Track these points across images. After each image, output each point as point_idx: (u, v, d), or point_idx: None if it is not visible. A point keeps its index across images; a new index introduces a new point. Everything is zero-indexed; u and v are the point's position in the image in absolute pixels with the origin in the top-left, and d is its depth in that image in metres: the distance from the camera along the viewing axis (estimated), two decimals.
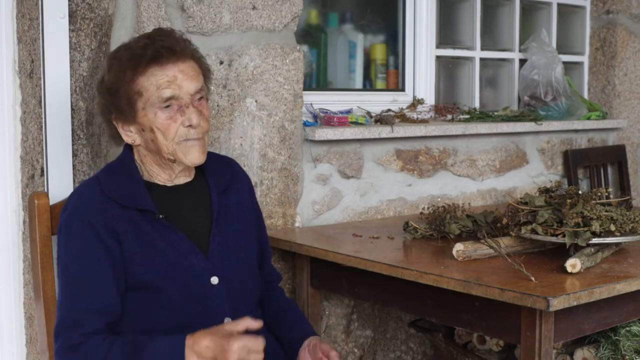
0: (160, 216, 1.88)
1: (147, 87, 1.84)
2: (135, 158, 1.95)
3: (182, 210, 1.94)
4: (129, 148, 1.96)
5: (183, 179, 1.98)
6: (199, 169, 2.01)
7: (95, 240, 1.82)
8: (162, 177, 1.95)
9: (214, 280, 1.90)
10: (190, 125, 1.87)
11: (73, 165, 2.29)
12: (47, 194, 2.12)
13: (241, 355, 1.69)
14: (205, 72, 1.96)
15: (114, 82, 1.86)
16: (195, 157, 1.90)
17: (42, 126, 2.25)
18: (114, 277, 1.82)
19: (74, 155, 2.29)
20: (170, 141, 1.87)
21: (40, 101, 2.25)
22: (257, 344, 1.71)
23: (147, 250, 1.85)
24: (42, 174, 2.27)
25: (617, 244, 2.29)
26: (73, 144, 2.29)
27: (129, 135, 1.91)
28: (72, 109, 2.28)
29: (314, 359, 2.00)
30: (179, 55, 1.88)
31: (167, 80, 1.85)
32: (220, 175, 2.03)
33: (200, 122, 1.89)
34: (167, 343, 1.74)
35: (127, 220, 1.85)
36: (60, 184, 2.27)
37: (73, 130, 2.29)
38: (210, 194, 1.99)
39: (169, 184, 1.96)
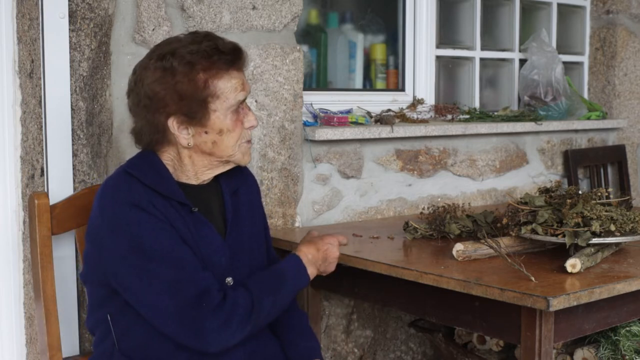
0: (195, 209, 1.88)
1: (224, 90, 1.85)
2: (166, 157, 1.91)
3: (209, 207, 1.95)
4: (151, 149, 1.93)
5: (208, 179, 1.97)
6: None
7: (152, 218, 1.79)
8: (192, 177, 1.93)
9: (229, 280, 1.90)
10: (250, 127, 1.92)
11: (73, 165, 2.29)
12: (47, 194, 2.12)
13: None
14: None
15: (187, 84, 1.82)
16: (249, 157, 1.97)
17: (42, 126, 2.25)
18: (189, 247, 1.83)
19: (74, 155, 2.29)
20: (235, 143, 1.90)
21: (40, 101, 2.25)
22: (344, 238, 2.08)
23: (186, 241, 1.83)
24: (42, 174, 2.27)
25: (617, 244, 2.29)
26: (73, 144, 2.29)
27: (186, 137, 1.87)
28: (72, 109, 2.28)
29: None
30: (245, 59, 1.92)
31: (242, 83, 1.89)
32: (230, 176, 2.02)
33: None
34: (290, 265, 1.96)
35: (168, 210, 1.83)
36: (60, 184, 2.27)
37: (73, 130, 2.28)
38: (223, 196, 1.99)
39: (195, 183, 1.94)
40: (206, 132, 1.87)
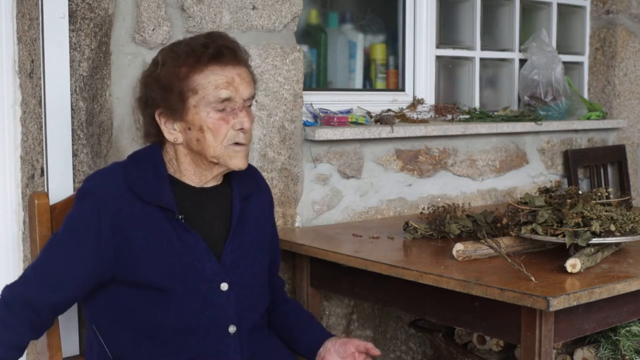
0: (180, 216, 1.86)
1: (204, 85, 1.83)
2: (168, 155, 1.92)
3: (203, 212, 1.92)
4: (158, 143, 1.94)
5: (212, 182, 1.95)
6: (224, 174, 1.98)
7: (91, 230, 1.81)
8: (194, 178, 1.92)
9: (224, 286, 1.88)
10: (241, 129, 1.86)
11: (73, 165, 2.29)
12: (47, 194, 2.12)
13: None
14: (255, 82, 1.94)
15: (168, 76, 1.84)
16: (240, 162, 1.89)
17: (42, 126, 2.25)
18: (85, 275, 1.83)
19: (74, 155, 2.29)
20: (219, 143, 1.85)
21: (40, 101, 2.25)
22: None
23: (161, 248, 1.83)
24: (42, 174, 2.27)
25: (617, 244, 2.29)
26: (73, 144, 2.29)
27: (172, 132, 1.88)
28: (72, 109, 2.28)
29: (344, 356, 1.98)
30: (239, 59, 1.88)
31: (226, 81, 1.84)
32: (244, 183, 2.00)
33: (250, 128, 1.89)
34: None
35: (145, 217, 1.83)
36: (60, 184, 2.27)
37: (73, 130, 2.28)
38: (232, 200, 1.97)
39: (197, 186, 1.93)
40: (189, 129, 1.86)
